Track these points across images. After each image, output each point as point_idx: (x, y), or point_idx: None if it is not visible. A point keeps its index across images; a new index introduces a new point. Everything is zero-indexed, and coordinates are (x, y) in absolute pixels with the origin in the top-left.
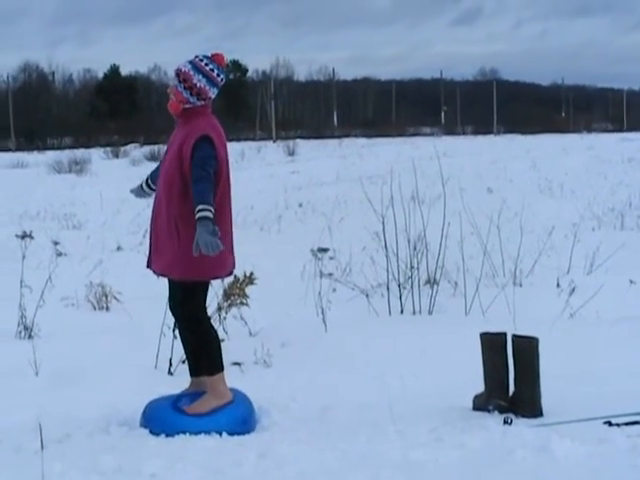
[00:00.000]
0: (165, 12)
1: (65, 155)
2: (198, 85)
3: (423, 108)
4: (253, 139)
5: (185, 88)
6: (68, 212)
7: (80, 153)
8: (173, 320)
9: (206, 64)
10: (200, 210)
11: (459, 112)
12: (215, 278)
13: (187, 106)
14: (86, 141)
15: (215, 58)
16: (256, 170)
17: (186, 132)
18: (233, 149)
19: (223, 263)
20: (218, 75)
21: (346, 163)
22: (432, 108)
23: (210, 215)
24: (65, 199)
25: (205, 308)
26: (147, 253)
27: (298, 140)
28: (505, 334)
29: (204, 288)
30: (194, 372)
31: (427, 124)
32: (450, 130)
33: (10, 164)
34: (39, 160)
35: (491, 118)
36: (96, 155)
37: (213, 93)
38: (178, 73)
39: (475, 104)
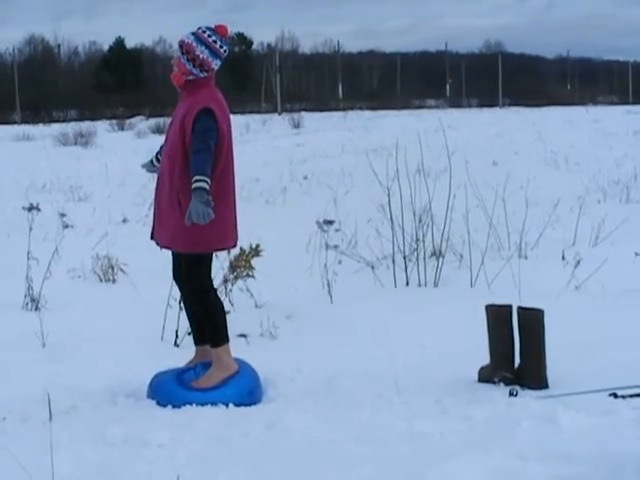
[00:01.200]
0: None
1: (70, 127)
2: (201, 56)
3: (428, 81)
4: (258, 112)
5: (188, 60)
6: (74, 184)
7: (85, 126)
8: (179, 291)
9: (209, 35)
10: (196, 181)
11: (464, 85)
12: (218, 250)
13: (190, 78)
14: (91, 114)
15: (218, 30)
16: (261, 142)
17: (189, 104)
18: (238, 122)
19: (225, 235)
20: (221, 47)
21: (351, 135)
22: (437, 81)
23: (206, 186)
24: (71, 171)
25: (211, 279)
26: (151, 225)
27: (303, 113)
28: (511, 306)
29: (208, 260)
30: (199, 341)
31: (432, 97)
32: (455, 103)
33: (16, 137)
34: (45, 133)
35: (496, 91)
36: (101, 127)
37: (216, 65)
38: (181, 45)
39: (480, 77)
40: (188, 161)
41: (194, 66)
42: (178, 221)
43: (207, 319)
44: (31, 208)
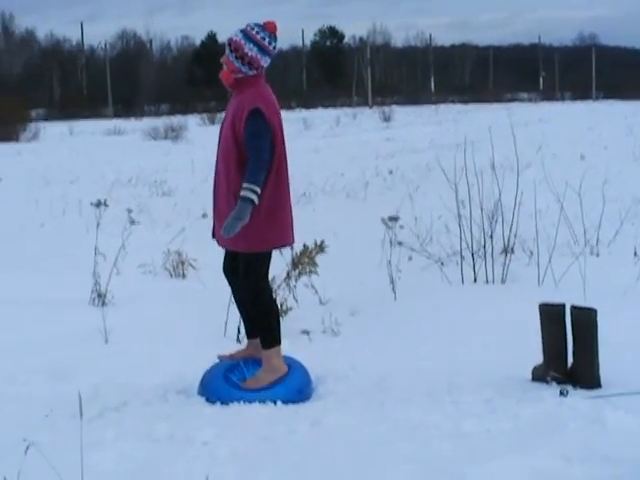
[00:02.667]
0: None
1: (162, 122)
2: (249, 54)
3: (521, 74)
4: (349, 105)
5: (236, 57)
6: (159, 179)
7: (177, 120)
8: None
9: (257, 32)
10: (245, 189)
11: (557, 77)
12: (277, 248)
13: (239, 76)
14: (183, 108)
15: (267, 26)
16: (351, 136)
17: (237, 103)
18: (329, 115)
19: (281, 235)
20: (270, 43)
21: (441, 129)
22: (530, 74)
23: (254, 197)
24: (158, 166)
25: (267, 280)
26: (212, 224)
27: (394, 106)
28: (564, 305)
29: (267, 259)
30: (251, 334)
31: (525, 90)
32: (548, 96)
33: (107, 131)
34: (136, 127)
35: (590, 84)
36: (192, 121)
37: (265, 62)
38: (229, 43)
39: (574, 69)
40: (242, 160)
41: (243, 64)
42: None
43: (260, 319)
44: (99, 204)
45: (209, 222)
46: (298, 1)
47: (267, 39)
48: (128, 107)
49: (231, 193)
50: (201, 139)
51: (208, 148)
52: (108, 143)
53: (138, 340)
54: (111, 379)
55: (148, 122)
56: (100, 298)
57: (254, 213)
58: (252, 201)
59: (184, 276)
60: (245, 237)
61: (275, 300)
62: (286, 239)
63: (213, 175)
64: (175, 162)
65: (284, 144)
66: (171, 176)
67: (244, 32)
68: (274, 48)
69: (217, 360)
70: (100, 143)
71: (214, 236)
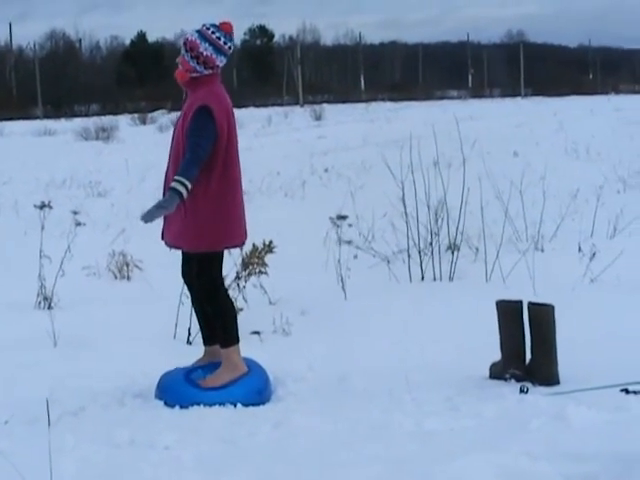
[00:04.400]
0: None
1: (92, 122)
2: (205, 53)
3: (450, 71)
4: (280, 104)
5: (192, 57)
6: (94, 180)
7: (107, 120)
8: (188, 290)
9: (213, 32)
10: (176, 181)
11: (486, 75)
12: (226, 248)
13: (194, 75)
14: (113, 108)
15: (222, 27)
16: (283, 135)
17: (190, 102)
18: (260, 114)
19: (233, 233)
20: (225, 43)
21: (373, 127)
22: (459, 71)
23: (183, 192)
24: (91, 166)
25: (221, 278)
26: (162, 225)
27: (325, 105)
28: (521, 302)
29: (218, 258)
30: (208, 341)
31: (454, 87)
32: (477, 93)
33: (37, 132)
34: (66, 127)
35: (518, 81)
36: (123, 122)
37: (221, 61)
38: (185, 42)
39: (502, 67)
40: None
41: (198, 63)
42: (183, 220)
43: (217, 319)
44: (43, 206)
45: (150, 223)
46: (228, 0)
47: (222, 39)
48: (58, 107)
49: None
50: (133, 139)
51: (140, 148)
52: (39, 144)
53: (87, 343)
54: (65, 383)
55: (79, 122)
56: (46, 301)
57: (201, 212)
58: (181, 194)
59: (129, 278)
60: (190, 236)
61: (230, 298)
62: (236, 239)
63: (163, 176)
64: (108, 163)
65: (235, 144)
66: (105, 177)
67: (199, 32)
68: (230, 48)
69: (180, 359)
70: (31, 144)
71: (163, 237)
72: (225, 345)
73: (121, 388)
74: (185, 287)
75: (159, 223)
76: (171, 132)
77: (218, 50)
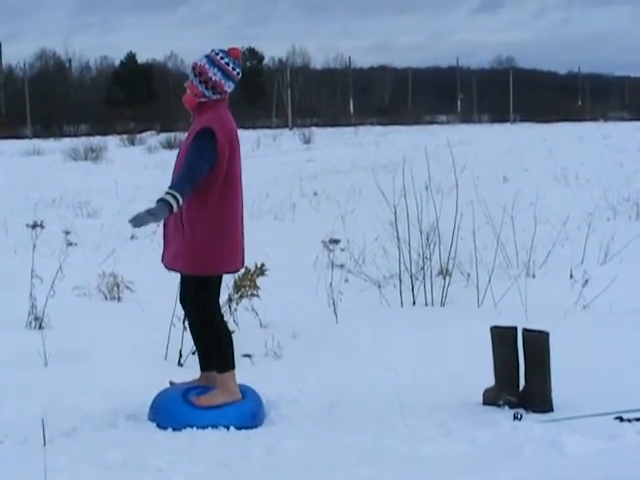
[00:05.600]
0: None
1: (81, 142)
2: (213, 79)
3: (439, 96)
4: (269, 127)
5: (200, 82)
6: (83, 200)
7: (96, 140)
8: (184, 311)
9: (222, 58)
10: (168, 193)
11: (475, 100)
12: (225, 273)
13: (202, 100)
14: (102, 128)
15: (231, 52)
16: (272, 158)
17: (195, 126)
18: (249, 137)
19: (229, 259)
20: (234, 69)
21: (362, 151)
22: (448, 96)
23: (174, 205)
24: (81, 186)
25: (218, 304)
26: (162, 247)
27: (314, 128)
28: (515, 328)
29: (216, 283)
30: (204, 367)
31: (443, 112)
32: (466, 118)
33: (26, 151)
34: (55, 147)
35: (507, 106)
36: (112, 142)
37: (229, 87)
38: (194, 67)
39: (491, 92)
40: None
41: (206, 88)
42: (181, 242)
43: (213, 344)
44: (35, 225)
45: (139, 243)
46: (219, 22)
47: (231, 64)
48: (47, 127)
49: (178, 214)
50: (122, 160)
51: (130, 169)
52: (28, 163)
53: (79, 364)
54: (56, 404)
55: (68, 142)
56: (37, 321)
57: (198, 234)
58: (170, 206)
59: (119, 299)
60: (189, 259)
61: (226, 324)
62: (232, 265)
63: None
64: (97, 183)
65: (238, 170)
66: (95, 197)
67: (208, 57)
68: (238, 74)
69: (167, 385)
70: (20, 163)
71: (162, 259)
72: (221, 370)
73: (113, 409)
74: (177, 308)
75: (154, 247)
76: (160, 153)
77: (227, 76)
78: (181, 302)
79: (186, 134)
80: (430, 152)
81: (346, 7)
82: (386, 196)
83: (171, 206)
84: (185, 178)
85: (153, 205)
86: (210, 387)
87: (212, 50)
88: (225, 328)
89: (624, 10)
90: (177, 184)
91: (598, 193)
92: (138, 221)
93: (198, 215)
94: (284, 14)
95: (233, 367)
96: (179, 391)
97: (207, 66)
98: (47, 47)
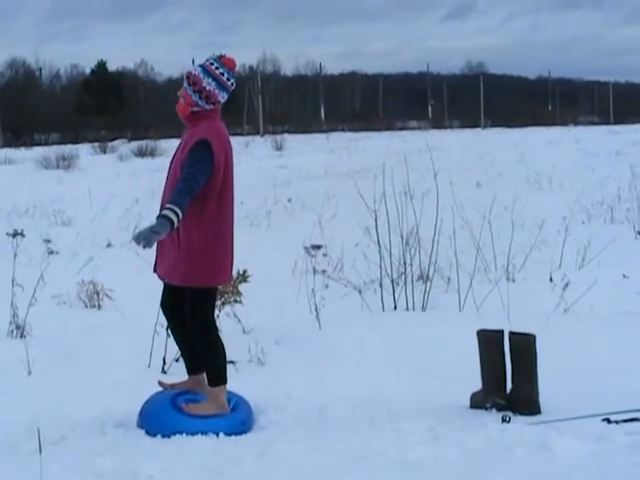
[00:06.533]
0: (160, 8)
1: (53, 151)
2: (207, 88)
3: (410, 102)
4: (241, 134)
5: (194, 91)
6: (57, 208)
7: (68, 149)
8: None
9: (216, 67)
10: (168, 209)
11: (446, 106)
12: (219, 284)
13: (195, 109)
14: (74, 137)
15: (226, 62)
16: (244, 165)
17: (189, 136)
18: None
19: (223, 269)
20: (228, 79)
21: (334, 157)
22: (419, 102)
23: (175, 220)
24: (54, 195)
25: (214, 318)
26: (155, 257)
27: (286, 135)
28: (502, 331)
29: (212, 295)
30: (192, 370)
31: (414, 118)
32: (437, 124)
33: None
34: (26, 156)
35: (478, 112)
36: (84, 151)
37: (223, 97)
38: (188, 76)
39: (462, 98)
40: None
41: (200, 97)
42: (177, 254)
43: (207, 357)
44: (15, 234)
45: (115, 251)
46: (191, 30)
47: (226, 75)
48: (18, 136)
49: (177, 230)
50: (94, 168)
51: (102, 177)
52: None
53: (62, 372)
54: (43, 412)
55: (39, 151)
56: (19, 329)
57: (196, 246)
58: (172, 222)
59: (99, 307)
60: (184, 271)
61: (221, 338)
62: (223, 276)
63: (159, 207)
64: (70, 191)
65: (231, 181)
66: (69, 205)
67: (203, 67)
68: (232, 84)
69: (157, 387)
70: None
71: (155, 269)
72: (213, 384)
73: (100, 417)
74: (159, 316)
75: (131, 254)
76: (132, 161)
77: (221, 86)
78: (163, 309)
79: (178, 142)
80: (401, 158)
81: (317, 14)
82: (360, 202)
83: (172, 222)
84: (183, 192)
85: (154, 222)
86: (199, 393)
87: (207, 59)
88: (220, 342)
89: (593, 15)
90: (176, 199)
91: (572, 197)
92: (142, 240)
93: (195, 226)
94: (255, 21)
95: (225, 382)
96: (168, 398)
97: (201, 75)
98: (17, 56)
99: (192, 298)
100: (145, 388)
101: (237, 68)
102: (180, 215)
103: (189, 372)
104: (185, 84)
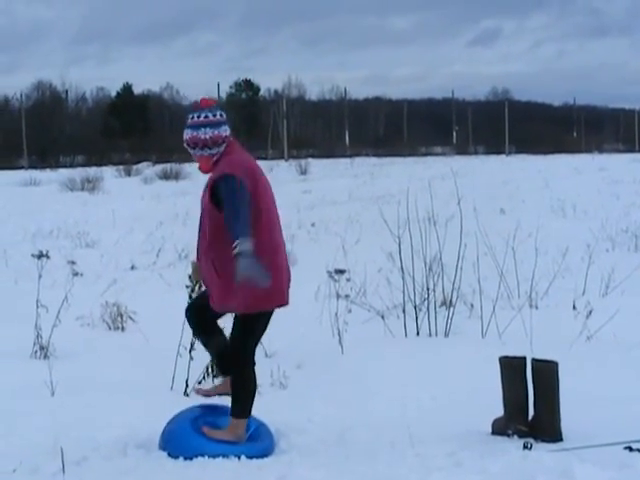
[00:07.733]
0: (187, 32)
1: (77, 173)
2: (208, 137)
3: (435, 128)
4: (265, 158)
5: (202, 149)
6: (81, 230)
7: (92, 171)
8: (190, 340)
9: (198, 116)
10: (237, 245)
11: (471, 132)
12: (273, 308)
13: (215, 158)
14: (98, 159)
15: (196, 107)
16: None
17: (209, 178)
18: None
19: (277, 291)
20: (215, 115)
21: (358, 182)
22: (444, 128)
23: (247, 247)
24: (78, 217)
25: (254, 353)
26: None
27: (310, 159)
28: (525, 358)
29: (261, 326)
30: (225, 373)
31: (439, 144)
32: (462, 150)
33: (23, 182)
34: (51, 178)
35: (503, 138)
36: (108, 173)
37: (225, 131)
38: (187, 144)
39: (487, 124)
40: (217, 232)
41: (210, 148)
42: (219, 286)
43: (238, 389)
44: (41, 255)
45: (139, 274)
46: (216, 54)
47: (209, 115)
48: (43, 158)
49: (209, 260)
50: (118, 190)
51: (126, 200)
52: (25, 194)
53: (85, 393)
54: (66, 433)
55: (64, 173)
56: (42, 350)
57: (231, 279)
58: (247, 251)
59: (123, 329)
60: (226, 300)
61: (255, 374)
62: (283, 298)
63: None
64: (95, 213)
65: (269, 200)
66: (93, 228)
67: (189, 126)
68: (221, 115)
69: (179, 409)
70: (16, 194)
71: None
72: (236, 416)
73: (122, 439)
74: (183, 338)
75: (154, 277)
76: (156, 184)
77: (215, 125)
78: (189, 313)
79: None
80: (425, 184)
81: (342, 39)
82: (385, 227)
83: (247, 251)
84: (238, 223)
85: (239, 261)
86: (220, 415)
87: (187, 118)
88: (253, 379)
89: (619, 43)
90: (237, 234)
91: (596, 225)
92: (252, 280)
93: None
94: (281, 46)
95: (247, 416)
96: (189, 420)
97: (194, 133)
98: (44, 78)
99: (240, 326)
100: (167, 410)
101: (210, 102)
102: (249, 240)
103: (222, 374)
104: (191, 152)
